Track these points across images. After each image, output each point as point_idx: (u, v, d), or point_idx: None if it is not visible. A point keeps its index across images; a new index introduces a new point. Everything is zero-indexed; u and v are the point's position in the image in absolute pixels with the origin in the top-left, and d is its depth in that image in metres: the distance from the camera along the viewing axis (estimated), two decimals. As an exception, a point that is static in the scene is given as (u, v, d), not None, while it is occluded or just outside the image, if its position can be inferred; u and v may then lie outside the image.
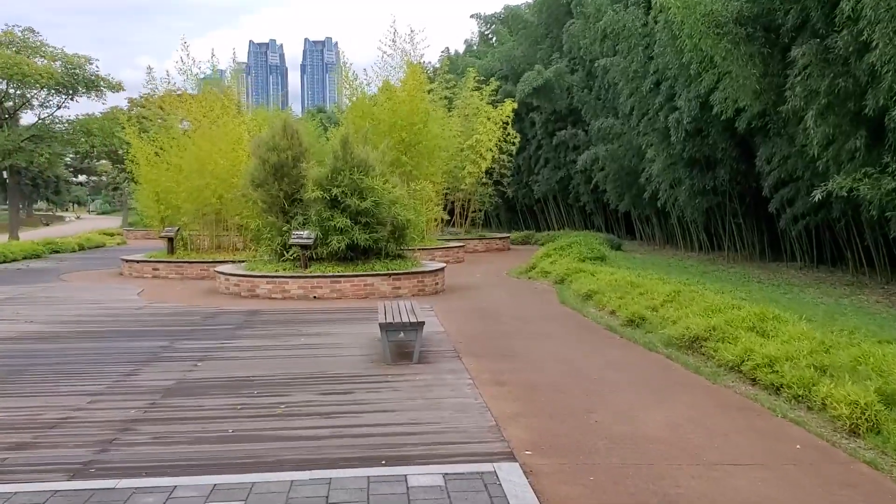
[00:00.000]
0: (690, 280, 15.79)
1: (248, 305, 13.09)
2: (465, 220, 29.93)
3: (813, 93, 14.53)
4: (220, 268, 15.44)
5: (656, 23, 21.61)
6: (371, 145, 22.72)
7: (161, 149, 21.51)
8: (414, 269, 14.54)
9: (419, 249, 22.00)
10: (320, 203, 14.31)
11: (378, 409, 6.47)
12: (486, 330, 10.44)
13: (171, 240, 20.19)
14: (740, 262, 23.03)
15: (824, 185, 13.08)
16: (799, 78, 14.80)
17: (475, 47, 48.91)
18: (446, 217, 32.06)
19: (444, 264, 15.96)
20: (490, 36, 46.67)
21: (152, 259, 19.28)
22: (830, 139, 14.71)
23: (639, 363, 8.35)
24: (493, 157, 27.25)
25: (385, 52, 26.95)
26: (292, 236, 14.29)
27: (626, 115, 26.58)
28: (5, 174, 42.57)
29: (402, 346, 8.71)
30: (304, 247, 14.25)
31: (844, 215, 17.74)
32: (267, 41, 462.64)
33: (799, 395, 6.63)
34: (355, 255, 14.59)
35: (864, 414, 5.79)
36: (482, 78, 29.44)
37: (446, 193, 29.45)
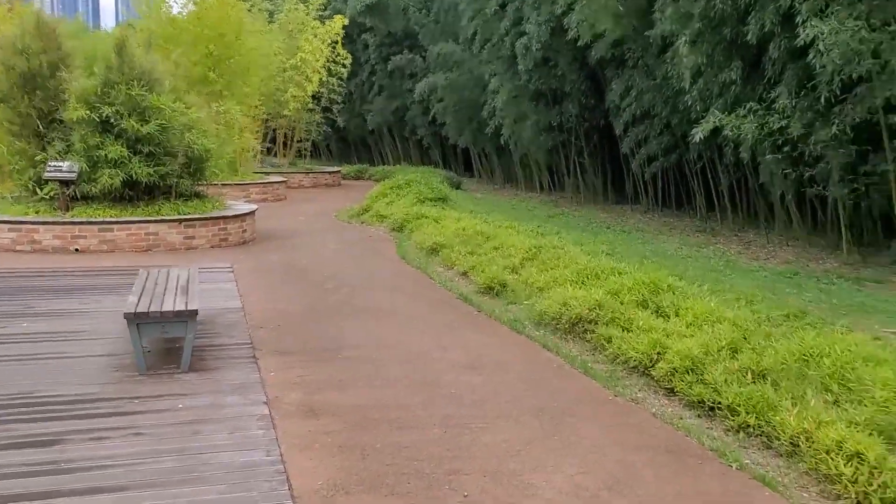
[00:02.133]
0: (544, 229, 13.85)
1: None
2: (289, 150, 26.64)
3: (685, 16, 12.71)
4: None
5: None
6: (165, 57, 19.09)
7: None
8: (214, 214, 11.49)
9: (231, 185, 18.78)
10: (87, 126, 10.83)
11: (92, 487, 3.74)
12: (304, 304, 7.79)
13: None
14: (584, 204, 21.62)
15: (704, 123, 11.34)
16: (670, -2, 12.95)
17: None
18: (268, 146, 28.66)
19: (255, 206, 12.98)
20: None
21: None
22: (701, 70, 13.04)
23: (509, 359, 6.04)
24: (321, 79, 24.05)
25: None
26: (47, 168, 10.81)
27: (468, 40, 24.21)
28: None
29: (172, 339, 5.97)
30: (64, 183, 10.79)
31: (702, 157, 16.43)
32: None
33: (750, 427, 4.58)
34: (136, 194, 11.27)
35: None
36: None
37: (267, 120, 26.02)
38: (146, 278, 6.31)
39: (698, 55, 12.60)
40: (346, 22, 24.83)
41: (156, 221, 10.76)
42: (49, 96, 11.16)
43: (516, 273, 9.06)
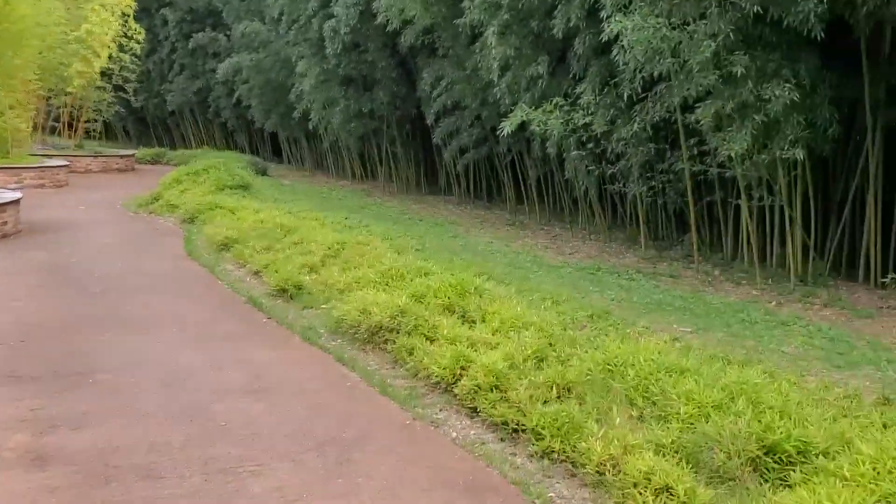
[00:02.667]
0: (352, 220, 13.21)
1: None
2: (76, 131, 24.14)
3: (494, 6, 12.49)
4: None
5: None
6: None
7: None
8: (-40, 204, 9.84)
9: (1, 168, 16.61)
10: None
11: None
12: (61, 313, 6.63)
13: None
14: (397, 195, 21.20)
15: (512, 116, 11.14)
16: (479, -15, 12.67)
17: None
18: (53, 125, 25.92)
19: (21, 195, 11.33)
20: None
21: None
22: (509, 63, 12.89)
23: (296, 377, 5.32)
24: (111, 55, 21.89)
25: None
26: None
27: (275, 20, 23.00)
28: None
29: None
30: None
31: (511, 151, 16.45)
32: None
33: (555, 453, 4.19)
34: None
35: None
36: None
37: (49, 98, 23.43)
38: None
39: (507, 47, 12.42)
40: (139, -8, 22.77)
41: None
42: None
43: (315, 272, 8.35)
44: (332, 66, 20.11)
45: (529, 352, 5.37)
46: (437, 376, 5.15)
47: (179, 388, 4.90)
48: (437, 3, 14.70)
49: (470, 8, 13.05)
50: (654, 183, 11.56)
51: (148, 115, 35.34)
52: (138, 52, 23.48)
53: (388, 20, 15.92)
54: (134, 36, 22.68)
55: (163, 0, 28.49)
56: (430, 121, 18.26)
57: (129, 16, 22.41)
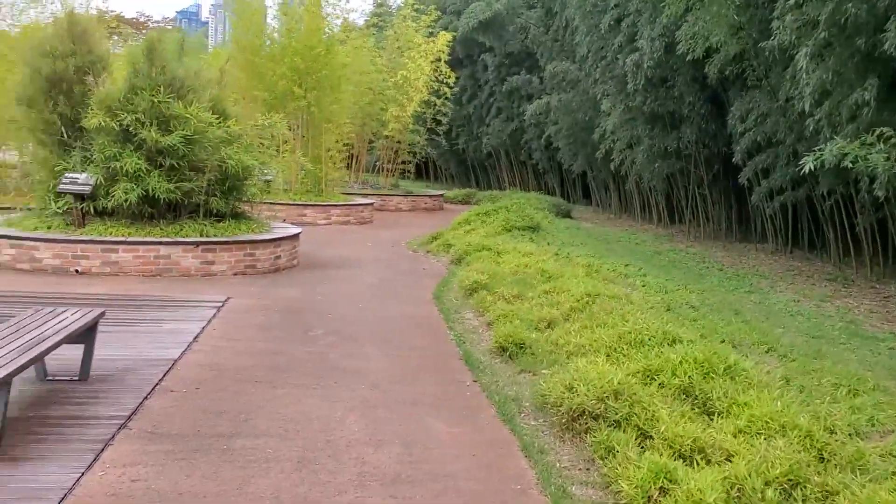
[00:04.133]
0: (632, 269, 11.91)
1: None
2: (392, 171, 25.59)
3: (809, 24, 10.51)
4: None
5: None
6: (253, 73, 18.47)
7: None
8: (240, 237, 10.33)
9: (312, 206, 17.91)
10: (107, 135, 9.97)
11: None
12: (258, 358, 6.25)
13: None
14: (702, 240, 19.25)
15: (819, 151, 9.12)
16: (791, 2, 10.77)
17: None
18: (375, 164, 27.79)
19: (300, 230, 11.75)
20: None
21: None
22: (827, 89, 10.76)
23: (458, 468, 4.19)
24: (423, 99, 22.88)
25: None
26: (62, 180, 10.00)
27: (583, 58, 22.42)
28: None
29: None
30: (78, 196, 10.00)
31: (833, 192, 13.91)
32: None
33: None
34: (157, 212, 10.31)
35: None
36: (419, 6, 24.90)
37: (371, 141, 25.18)
38: (27, 319, 5.05)
39: (823, 71, 10.37)
40: (450, 38, 23.58)
41: (168, 243, 9.72)
42: (76, 102, 10.43)
43: (552, 328, 7.32)
44: (636, 103, 19.00)
45: (775, 473, 3.84)
46: (625, 496, 3.82)
47: (312, 471, 4.15)
48: (746, 28, 12.95)
49: (780, 28, 11.18)
50: None
51: (468, 156, 36.81)
52: (448, 94, 24.27)
53: (690, 49, 14.41)
54: (445, 80, 23.49)
55: (484, 46, 29.40)
56: (738, 159, 16.23)
57: (440, 60, 23.26)
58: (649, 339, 6.22)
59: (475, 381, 5.93)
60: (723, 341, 6.72)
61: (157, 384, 5.30)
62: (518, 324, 7.17)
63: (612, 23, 19.48)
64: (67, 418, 4.71)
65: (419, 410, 5.23)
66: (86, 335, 5.09)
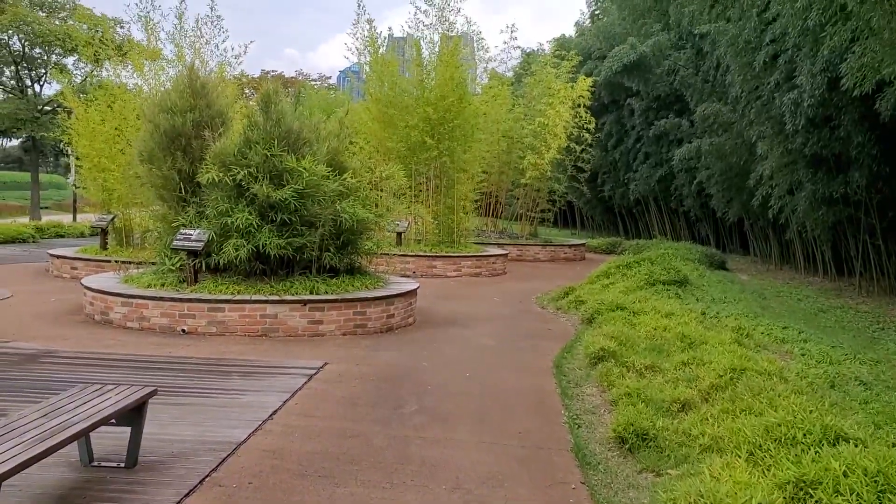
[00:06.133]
0: (790, 332, 10.43)
1: (80, 340, 8.74)
2: (531, 220, 24.75)
3: None
4: (90, 278, 11.14)
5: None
6: (387, 124, 18.32)
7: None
8: (349, 295, 9.78)
9: (441, 257, 17.38)
10: (221, 189, 9.81)
11: None
12: (335, 441, 5.43)
13: (104, 231, 16.24)
14: (876, 296, 17.07)
15: None
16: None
17: (586, 27, 43.31)
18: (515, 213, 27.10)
19: (416, 285, 11.12)
20: (600, 15, 41.08)
21: (77, 256, 15.44)
22: None
23: None
24: (561, 145, 22.01)
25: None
26: (177, 236, 9.89)
27: (736, 99, 20.88)
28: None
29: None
30: (192, 253, 9.85)
31: None
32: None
33: None
34: (270, 268, 9.98)
35: None
36: (562, 52, 24.23)
37: (511, 189, 24.53)
38: (69, 399, 4.57)
39: None
40: (591, 84, 22.67)
41: (274, 302, 9.30)
42: (194, 157, 10.38)
43: (686, 412, 6.21)
44: (796, 145, 17.34)
45: None
46: None
47: None
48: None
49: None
50: None
51: (614, 203, 35.47)
52: (591, 141, 23.30)
53: (858, 83, 12.81)
54: (586, 126, 22.56)
55: (630, 90, 28.31)
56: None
57: (580, 106, 22.39)
58: (804, 436, 5.02)
59: (583, 483, 4.92)
60: (903, 437, 5.38)
61: (205, 476, 4.66)
62: (643, 408, 6.10)
63: (767, 60, 17.95)
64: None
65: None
66: (131, 417, 4.59)
